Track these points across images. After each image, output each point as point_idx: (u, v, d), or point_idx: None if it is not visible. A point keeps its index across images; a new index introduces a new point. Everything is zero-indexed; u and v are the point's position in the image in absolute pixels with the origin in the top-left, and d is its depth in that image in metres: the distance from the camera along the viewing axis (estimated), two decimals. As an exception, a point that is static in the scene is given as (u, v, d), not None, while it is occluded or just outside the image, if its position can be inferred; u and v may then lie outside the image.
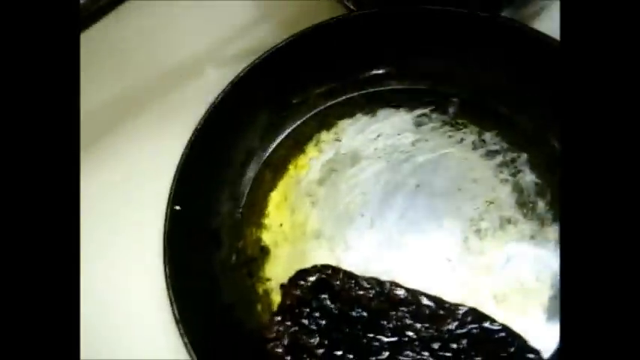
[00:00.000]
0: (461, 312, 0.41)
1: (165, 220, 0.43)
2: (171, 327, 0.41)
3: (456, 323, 0.41)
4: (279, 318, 0.42)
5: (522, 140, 0.47)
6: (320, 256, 0.45)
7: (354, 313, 0.41)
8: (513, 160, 0.46)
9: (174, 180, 0.44)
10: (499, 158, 0.46)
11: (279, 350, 0.41)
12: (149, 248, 0.44)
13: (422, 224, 0.45)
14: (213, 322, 0.43)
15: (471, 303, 0.42)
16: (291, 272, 0.44)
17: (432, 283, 0.43)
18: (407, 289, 0.42)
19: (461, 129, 0.48)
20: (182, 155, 0.44)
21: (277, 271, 0.45)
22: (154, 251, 0.43)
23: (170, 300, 0.41)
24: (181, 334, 0.40)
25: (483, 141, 0.47)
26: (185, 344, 0.40)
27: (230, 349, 0.42)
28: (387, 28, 0.47)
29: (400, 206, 0.46)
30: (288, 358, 0.41)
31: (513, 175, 0.46)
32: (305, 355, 0.41)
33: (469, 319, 0.41)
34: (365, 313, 0.41)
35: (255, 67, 0.46)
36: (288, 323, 0.41)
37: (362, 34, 0.48)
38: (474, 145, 0.47)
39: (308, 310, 0.42)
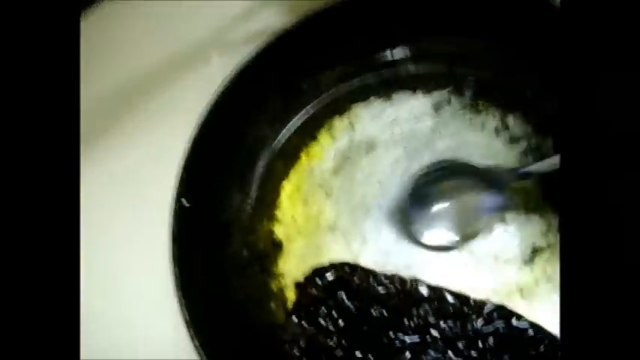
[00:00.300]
0: (487, 309, 0.39)
1: (172, 216, 0.41)
2: (181, 328, 0.39)
3: (481, 321, 0.39)
4: (294, 319, 0.40)
5: (548, 125, 0.44)
6: (335, 250, 0.43)
7: (373, 312, 0.39)
8: (539, 146, 0.43)
9: (180, 174, 0.42)
10: (523, 144, 0.44)
11: (296, 352, 0.39)
12: (156, 246, 0.42)
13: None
14: (225, 321, 0.41)
15: (496, 298, 0.40)
16: (306, 267, 0.43)
17: (455, 277, 0.41)
18: (429, 286, 0.40)
19: (482, 113, 0.45)
20: (188, 147, 0.42)
21: (291, 267, 0.43)
22: (161, 249, 0.41)
23: (179, 301, 0.39)
24: (192, 337, 0.38)
25: (507, 126, 0.44)
26: (196, 347, 0.38)
27: (243, 350, 0.41)
28: (399, 7, 0.44)
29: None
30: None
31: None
32: (323, 357, 0.39)
33: (495, 316, 0.39)
34: (385, 312, 0.39)
35: (262, 52, 0.44)
36: (305, 324, 0.40)
37: (374, 14, 0.44)
38: (496, 131, 0.44)
39: (325, 309, 0.40)
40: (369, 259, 0.42)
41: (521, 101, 0.45)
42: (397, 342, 0.39)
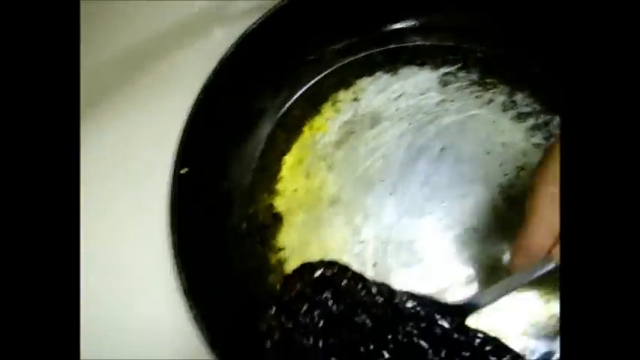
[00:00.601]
0: (479, 340, 0.37)
1: (171, 183, 0.40)
2: (178, 299, 0.38)
3: (469, 353, 0.37)
4: (273, 309, 0.38)
5: (557, 101, 0.43)
6: (337, 224, 0.42)
7: (357, 319, 0.38)
8: (547, 123, 0.43)
9: (180, 141, 0.41)
10: (531, 121, 0.43)
11: (267, 345, 0.37)
12: (155, 214, 0.41)
13: (447, 191, 0.42)
14: (224, 293, 0.40)
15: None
16: (306, 240, 0.42)
17: (458, 255, 0.41)
18: (421, 303, 0.38)
19: (490, 89, 0.44)
20: (189, 114, 0.41)
21: (291, 240, 0.42)
22: (160, 218, 0.40)
23: (178, 269, 0.38)
24: (190, 307, 0.37)
25: (514, 102, 0.44)
26: (194, 317, 0.37)
27: (241, 322, 0.40)
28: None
29: (423, 171, 0.43)
30: (274, 355, 0.37)
31: (546, 139, 0.42)
32: (294, 356, 0.37)
33: (488, 349, 0.37)
34: (369, 321, 0.38)
35: (266, 21, 0.43)
36: (283, 319, 0.38)
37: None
38: (504, 107, 0.44)
39: (307, 306, 0.38)
40: (370, 234, 0.42)
41: (530, 78, 0.44)
42: (376, 355, 0.37)
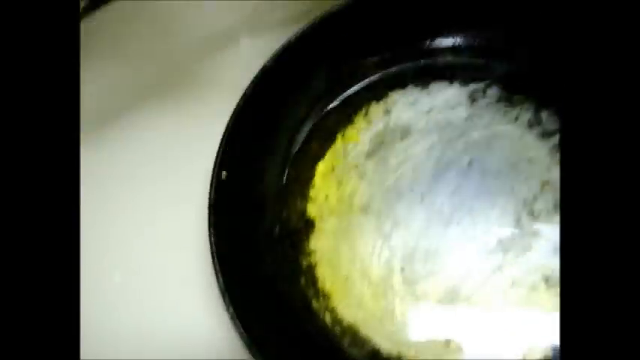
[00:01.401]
0: None
1: (211, 187, 0.41)
2: (213, 299, 0.40)
3: None
4: None
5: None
6: (367, 230, 0.44)
7: None
8: (571, 141, 0.44)
9: (220, 146, 0.42)
10: (556, 139, 0.45)
11: None
12: (192, 218, 0.43)
13: (473, 202, 0.44)
14: (258, 292, 0.42)
15: (522, 285, 0.41)
16: (336, 245, 0.44)
17: (482, 264, 0.42)
18: None
19: (517, 105, 0.46)
20: (229, 121, 0.43)
21: (322, 245, 0.44)
22: (198, 221, 0.42)
23: (215, 269, 0.39)
24: (226, 305, 0.39)
25: (540, 119, 0.45)
26: (231, 316, 0.38)
27: (273, 323, 0.41)
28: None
29: (452, 183, 0.44)
30: None
31: (570, 156, 0.44)
32: None
33: None
34: None
35: (306, 33, 0.44)
36: None
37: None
38: (529, 124, 0.45)
39: None
40: (399, 241, 0.43)
41: (556, 97, 0.46)
42: None
